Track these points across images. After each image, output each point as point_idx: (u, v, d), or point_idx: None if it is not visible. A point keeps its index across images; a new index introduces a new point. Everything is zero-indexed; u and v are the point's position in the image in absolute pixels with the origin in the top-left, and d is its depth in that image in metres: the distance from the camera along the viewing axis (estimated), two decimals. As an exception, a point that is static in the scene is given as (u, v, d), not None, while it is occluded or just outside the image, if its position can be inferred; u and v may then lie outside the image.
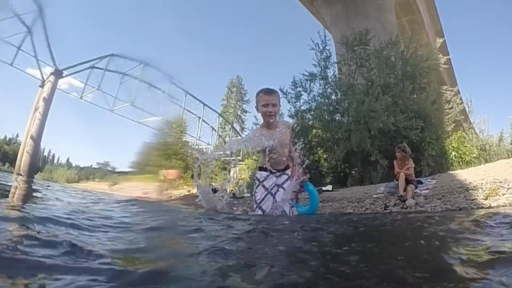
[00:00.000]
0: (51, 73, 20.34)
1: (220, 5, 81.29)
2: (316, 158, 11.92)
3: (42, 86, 20.44)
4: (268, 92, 2.85)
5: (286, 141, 2.93)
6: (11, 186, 5.79)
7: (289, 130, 3.03)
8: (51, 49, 19.94)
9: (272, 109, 2.78)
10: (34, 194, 4.82)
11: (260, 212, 2.80)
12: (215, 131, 28.08)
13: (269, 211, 2.78)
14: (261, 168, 2.97)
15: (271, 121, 2.82)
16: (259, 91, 2.89)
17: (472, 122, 16.13)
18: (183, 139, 25.44)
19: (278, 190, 2.86)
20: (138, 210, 3.08)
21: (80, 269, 0.85)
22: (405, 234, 1.93)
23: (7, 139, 59.40)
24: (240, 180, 13.42)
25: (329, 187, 9.67)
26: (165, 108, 24.31)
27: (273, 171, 2.92)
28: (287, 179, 2.95)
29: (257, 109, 2.92)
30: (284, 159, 2.99)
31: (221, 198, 2.80)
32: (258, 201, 2.84)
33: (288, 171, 3.01)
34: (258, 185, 2.93)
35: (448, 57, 20.38)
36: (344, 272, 0.93)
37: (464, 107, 17.21)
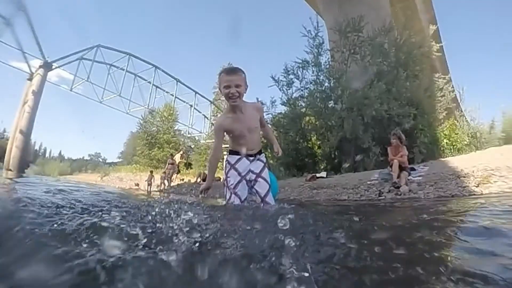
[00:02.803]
0: (40, 66, 19.95)
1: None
2: (309, 145, 11.95)
3: (30, 79, 20.04)
4: (230, 71, 2.50)
5: (254, 125, 2.64)
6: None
7: (257, 112, 2.72)
8: (38, 41, 19.51)
9: (234, 90, 2.42)
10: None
11: (236, 200, 2.54)
12: (208, 119, 28.00)
13: (245, 198, 2.59)
14: (232, 152, 2.71)
15: (235, 103, 2.48)
16: (221, 71, 2.55)
17: (463, 109, 16.24)
18: (175, 128, 25.43)
19: (257, 181, 2.62)
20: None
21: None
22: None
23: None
24: None
25: (323, 174, 9.71)
26: (152, 98, 24.12)
27: (245, 154, 2.68)
28: (263, 167, 2.70)
29: (221, 91, 2.56)
30: (255, 143, 2.73)
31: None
32: (232, 187, 2.58)
33: (262, 157, 2.77)
34: (230, 168, 2.65)
35: (440, 44, 20.42)
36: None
37: (455, 95, 17.32)
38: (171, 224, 1.11)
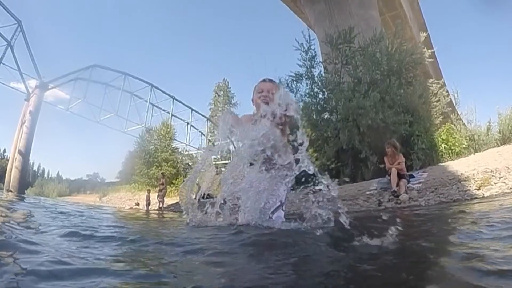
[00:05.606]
0: (36, 86, 20.05)
1: (204, 9, 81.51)
2: (306, 158, 11.90)
3: (27, 99, 20.11)
4: (267, 79, 2.42)
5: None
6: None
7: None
8: (35, 61, 19.68)
9: (266, 93, 2.29)
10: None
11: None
12: (204, 135, 27.98)
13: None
14: (252, 164, 2.49)
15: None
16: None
17: (459, 113, 16.26)
18: (172, 146, 25.36)
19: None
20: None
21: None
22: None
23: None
24: None
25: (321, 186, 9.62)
26: (149, 116, 24.15)
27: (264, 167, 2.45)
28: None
29: (253, 102, 2.43)
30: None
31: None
32: None
33: None
34: None
35: (432, 50, 20.63)
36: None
37: (451, 99, 17.38)
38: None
